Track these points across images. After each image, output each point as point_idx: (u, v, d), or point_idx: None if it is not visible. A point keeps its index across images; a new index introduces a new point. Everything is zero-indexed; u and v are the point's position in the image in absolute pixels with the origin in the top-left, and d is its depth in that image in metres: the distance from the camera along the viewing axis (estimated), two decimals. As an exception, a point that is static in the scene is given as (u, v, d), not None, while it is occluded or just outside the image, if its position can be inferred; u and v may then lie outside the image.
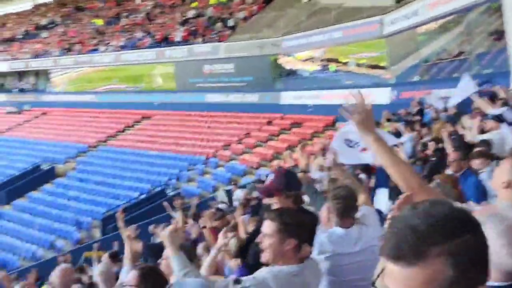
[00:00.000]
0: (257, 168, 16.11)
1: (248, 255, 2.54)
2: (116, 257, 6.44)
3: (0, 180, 19.61)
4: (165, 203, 8.62)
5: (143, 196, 15.90)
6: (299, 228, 1.94)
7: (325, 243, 2.30)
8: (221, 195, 12.53)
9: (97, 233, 14.73)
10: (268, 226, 1.94)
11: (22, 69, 29.43)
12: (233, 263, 3.10)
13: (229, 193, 12.08)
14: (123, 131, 22.51)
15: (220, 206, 11.16)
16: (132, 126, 22.91)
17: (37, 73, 29.15)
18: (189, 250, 3.26)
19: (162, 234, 2.26)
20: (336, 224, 2.42)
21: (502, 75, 9.77)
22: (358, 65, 17.71)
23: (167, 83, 23.51)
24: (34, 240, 15.25)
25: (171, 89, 23.04)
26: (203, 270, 2.82)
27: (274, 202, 2.40)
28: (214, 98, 20.95)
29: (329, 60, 18.64)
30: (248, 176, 15.61)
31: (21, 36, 32.78)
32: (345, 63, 18.16)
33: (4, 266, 12.97)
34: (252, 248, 2.39)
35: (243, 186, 12.59)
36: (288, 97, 18.89)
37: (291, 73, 20.33)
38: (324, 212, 2.58)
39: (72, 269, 4.46)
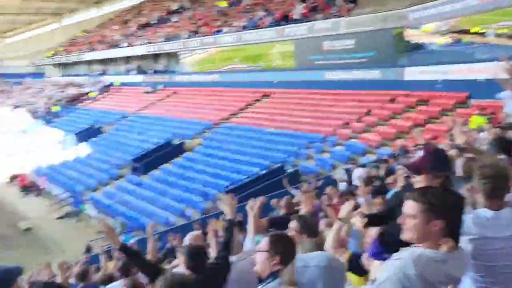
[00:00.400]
0: (377, 147, 15.56)
1: (385, 233, 2.48)
2: (241, 227, 6.82)
3: (139, 153, 21.97)
4: (284, 180, 8.82)
5: (263, 172, 16.45)
6: (445, 208, 1.81)
7: (469, 225, 2.12)
8: (340, 173, 12.35)
9: (221, 205, 15.66)
10: (411, 207, 1.85)
11: (156, 52, 32.25)
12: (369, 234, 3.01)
13: (348, 172, 11.87)
14: (244, 109, 23.44)
15: (340, 185, 11.05)
16: (253, 104, 23.72)
17: (168, 55, 31.72)
18: (311, 223, 3.31)
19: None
20: (484, 206, 2.22)
21: None
22: (498, 35, 15.82)
23: (286, 61, 23.74)
24: (168, 208, 16.88)
25: (290, 67, 23.22)
26: (328, 244, 2.82)
27: (419, 181, 2.30)
28: (334, 75, 20.60)
29: (462, 32, 16.97)
30: (368, 156, 15.16)
31: (155, 21, 35.83)
32: (481, 34, 16.37)
33: (143, 228, 14.58)
34: (391, 226, 2.31)
35: (363, 165, 12.28)
36: (413, 73, 17.72)
37: (417, 47, 19.00)
38: None
39: (202, 235, 4.83)
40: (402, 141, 14.31)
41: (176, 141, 22.07)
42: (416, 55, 18.69)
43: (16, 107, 39.41)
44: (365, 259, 2.89)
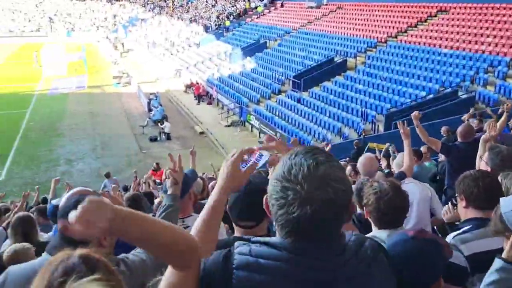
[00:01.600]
0: None
1: None
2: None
3: (299, 70, 22.26)
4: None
5: (430, 96, 15.25)
6: None
7: None
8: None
9: (380, 127, 15.25)
10: None
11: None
12: None
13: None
14: (415, 26, 21.44)
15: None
16: (426, 20, 21.48)
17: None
18: None
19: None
20: None
21: None
22: None
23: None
24: (325, 125, 17.11)
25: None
26: None
27: None
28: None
29: None
30: None
31: None
32: None
33: (301, 143, 15.17)
34: None
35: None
36: None
37: None
38: None
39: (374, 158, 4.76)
40: None
41: (338, 59, 21.63)
42: None
43: (191, 21, 42.92)
44: None
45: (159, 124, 20.84)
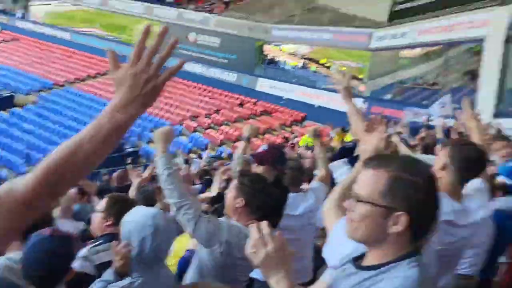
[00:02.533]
0: (219, 146, 16.29)
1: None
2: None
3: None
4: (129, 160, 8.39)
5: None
6: (250, 190, 2.05)
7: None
8: (179, 161, 12.58)
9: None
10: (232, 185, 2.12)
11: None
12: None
13: (187, 162, 12.18)
14: (94, 77, 22.00)
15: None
16: (104, 74, 22.41)
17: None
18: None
19: (156, 130, 2.20)
20: None
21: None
22: (338, 71, 18.08)
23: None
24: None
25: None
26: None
27: (259, 171, 2.45)
28: (194, 68, 20.82)
29: (312, 60, 18.97)
30: (209, 151, 15.76)
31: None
32: (327, 67, 18.55)
33: None
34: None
35: (200, 157, 12.78)
36: (265, 85, 19.09)
37: (273, 62, 20.53)
38: None
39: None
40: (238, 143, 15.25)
41: (5, 93, 19.50)
42: (271, 70, 20.16)
43: None
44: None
45: None
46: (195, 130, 17.36)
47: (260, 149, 2.43)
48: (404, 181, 1.06)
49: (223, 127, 17.56)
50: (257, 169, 2.47)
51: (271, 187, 2.08)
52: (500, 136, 5.35)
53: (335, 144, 10.62)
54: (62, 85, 20.97)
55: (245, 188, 2.02)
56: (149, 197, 3.12)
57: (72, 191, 5.58)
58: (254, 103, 18.88)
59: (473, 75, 12.21)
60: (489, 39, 11.00)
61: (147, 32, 0.91)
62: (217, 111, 18.60)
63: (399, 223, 1.05)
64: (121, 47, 23.23)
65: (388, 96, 15.81)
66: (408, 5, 14.72)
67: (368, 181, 1.09)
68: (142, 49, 0.90)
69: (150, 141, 16.71)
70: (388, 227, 1.06)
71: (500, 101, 10.70)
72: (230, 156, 12.02)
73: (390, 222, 1.06)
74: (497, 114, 10.23)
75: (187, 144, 16.22)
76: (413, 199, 1.05)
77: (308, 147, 10.94)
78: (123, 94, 0.86)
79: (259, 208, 1.99)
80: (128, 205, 2.20)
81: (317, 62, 18.92)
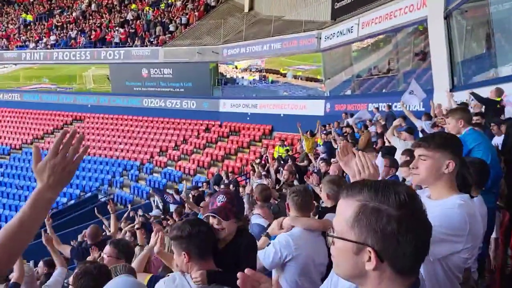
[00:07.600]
0: (194, 175, 16.01)
1: None
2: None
3: None
4: (97, 211, 8.31)
5: (72, 202, 15.17)
6: (187, 239, 2.02)
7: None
8: (156, 201, 12.25)
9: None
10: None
11: None
12: None
13: (164, 200, 11.86)
14: (52, 133, 21.37)
15: (154, 211, 10.96)
16: (62, 128, 21.82)
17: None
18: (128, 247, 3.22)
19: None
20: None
21: (426, 92, 10.56)
22: (295, 77, 18.25)
23: (101, 85, 22.68)
24: None
25: (106, 91, 22.28)
26: (134, 265, 2.97)
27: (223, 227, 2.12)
28: (152, 102, 20.57)
29: (268, 71, 19.02)
30: (185, 183, 15.46)
31: None
32: (283, 75, 18.62)
33: None
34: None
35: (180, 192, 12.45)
36: (227, 105, 19.02)
37: (231, 81, 20.48)
38: None
39: None
40: (215, 169, 15.05)
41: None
42: (229, 89, 20.11)
43: None
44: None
45: None
46: (166, 165, 17.02)
47: (216, 201, 2.11)
48: (371, 211, 0.89)
49: (193, 155, 17.31)
50: (224, 224, 2.14)
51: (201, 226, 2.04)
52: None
53: (308, 150, 10.57)
54: (20, 148, 20.25)
55: (182, 240, 1.98)
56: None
57: (40, 264, 5.23)
58: (220, 125, 18.74)
59: (424, 54, 12.45)
60: (430, 18, 11.26)
61: (64, 134, 1.13)
62: (184, 141, 18.34)
63: (370, 259, 0.89)
64: (74, 96, 22.83)
65: (348, 92, 15.96)
66: (348, 0, 15.01)
67: (339, 213, 0.95)
68: (59, 145, 1.11)
69: (123, 186, 16.29)
70: (363, 263, 0.90)
71: (453, 75, 10.91)
72: (208, 183, 11.78)
73: (364, 258, 0.90)
74: (453, 88, 10.46)
75: (161, 181, 15.87)
76: (379, 232, 0.88)
77: (281, 158, 10.86)
78: (46, 180, 1.09)
79: (201, 252, 1.99)
80: (94, 277, 2.24)
81: (273, 72, 18.96)
